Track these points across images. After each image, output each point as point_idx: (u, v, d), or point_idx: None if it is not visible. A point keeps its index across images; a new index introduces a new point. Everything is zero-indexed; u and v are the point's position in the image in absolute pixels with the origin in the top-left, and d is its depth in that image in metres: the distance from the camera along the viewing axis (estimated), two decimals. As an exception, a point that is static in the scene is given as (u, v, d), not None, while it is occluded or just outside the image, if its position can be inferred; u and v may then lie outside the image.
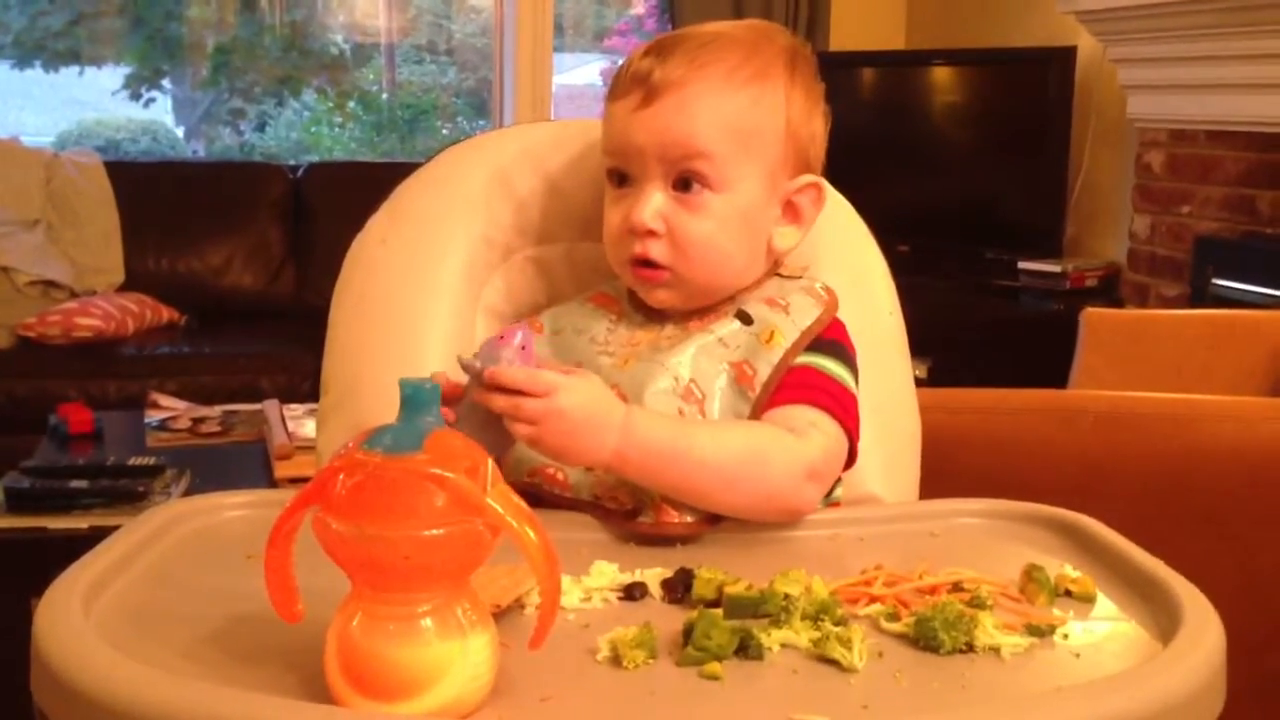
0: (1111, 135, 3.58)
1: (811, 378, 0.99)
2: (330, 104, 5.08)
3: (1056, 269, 3.51)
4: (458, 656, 0.64)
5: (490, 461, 0.66)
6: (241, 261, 4.11)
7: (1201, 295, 2.92)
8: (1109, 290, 3.52)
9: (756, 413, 0.97)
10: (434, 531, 0.62)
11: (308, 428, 2.62)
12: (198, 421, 2.81)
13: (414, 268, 1.11)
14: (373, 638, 0.64)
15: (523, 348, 0.89)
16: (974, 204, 3.89)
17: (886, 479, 1.09)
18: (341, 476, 0.63)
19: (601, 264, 1.08)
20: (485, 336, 1.08)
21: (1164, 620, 0.76)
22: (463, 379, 0.90)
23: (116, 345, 3.62)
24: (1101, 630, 0.77)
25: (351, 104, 5.11)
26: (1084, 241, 3.73)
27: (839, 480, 1.02)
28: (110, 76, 4.89)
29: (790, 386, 0.98)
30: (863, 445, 1.01)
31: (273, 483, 2.42)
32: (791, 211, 1.04)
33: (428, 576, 0.64)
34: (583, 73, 5.34)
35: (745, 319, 1.01)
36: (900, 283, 1.18)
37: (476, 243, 1.13)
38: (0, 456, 2.51)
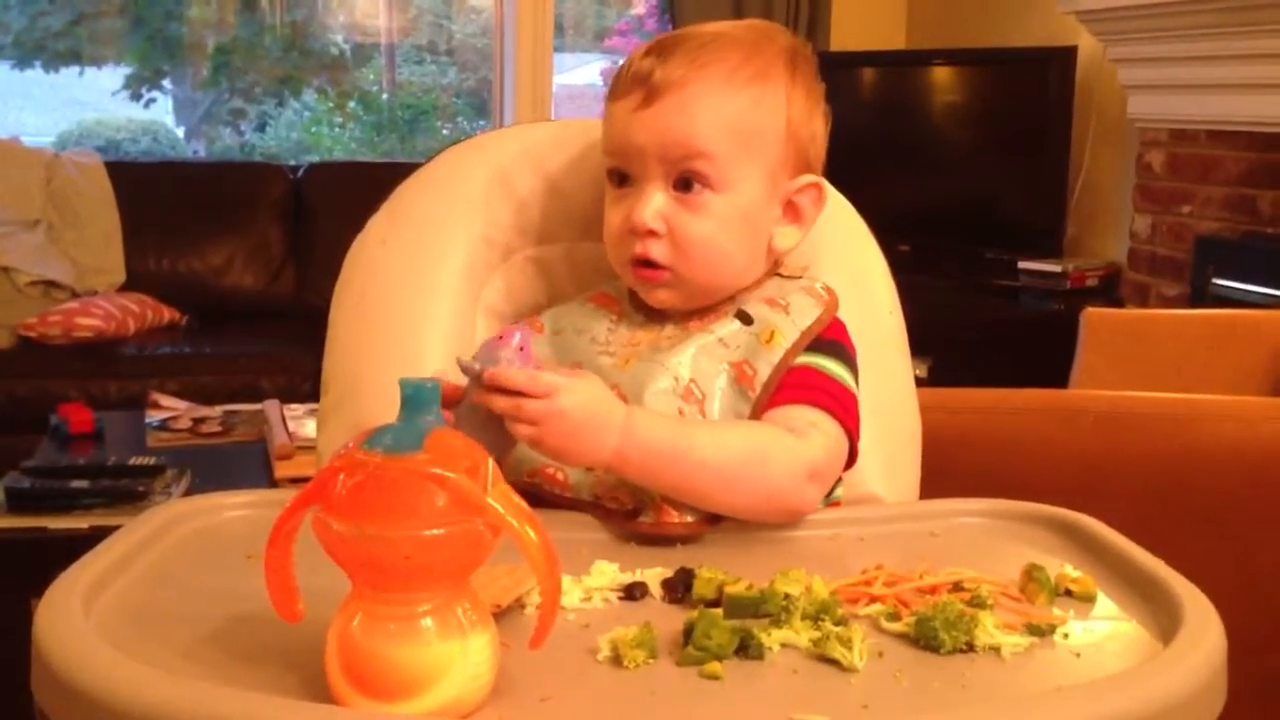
0: (1112, 135, 3.58)
1: (812, 378, 0.99)
2: (330, 104, 5.08)
3: (1057, 269, 3.51)
4: (458, 656, 0.64)
5: (490, 461, 0.66)
6: (242, 261, 4.11)
7: (1202, 295, 2.92)
8: (1109, 290, 3.52)
9: (757, 413, 0.97)
10: (434, 531, 0.62)
11: (308, 428, 2.62)
12: (198, 421, 2.82)
13: (414, 268, 1.11)
14: (373, 638, 0.64)
15: (521, 348, 0.89)
16: (974, 204, 3.89)
17: (886, 479, 1.09)
18: (342, 476, 0.63)
19: (602, 264, 1.08)
20: (485, 336, 1.08)
21: (1164, 620, 0.76)
22: (462, 381, 0.90)
23: (117, 345, 3.62)
24: (1102, 630, 0.77)
25: (352, 104, 5.12)
26: (1084, 241, 3.73)
27: (839, 480, 1.02)
28: (110, 77, 4.89)
29: (790, 387, 0.98)
30: (863, 445, 1.01)
31: (273, 483, 2.42)
32: (792, 211, 1.04)
33: (428, 576, 0.64)
34: (583, 73, 5.34)
35: (745, 319, 1.01)
36: (900, 283, 1.18)
37: (476, 243, 1.13)
38: (1, 456, 2.51)
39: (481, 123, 5.03)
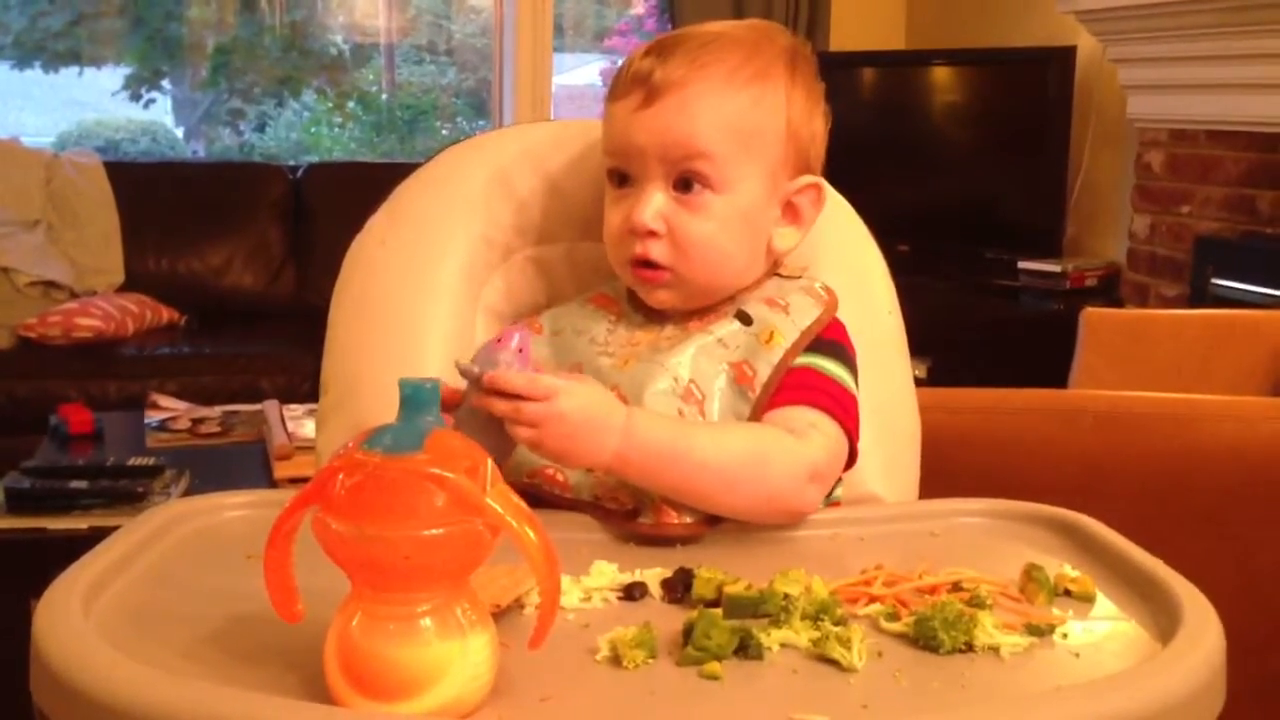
0: (1111, 135, 3.58)
1: (811, 378, 0.99)
2: (330, 104, 5.08)
3: (1056, 269, 3.51)
4: (457, 656, 0.64)
5: (490, 461, 0.66)
6: (241, 262, 4.11)
7: (1201, 295, 2.92)
8: (1109, 290, 3.52)
9: (756, 413, 0.97)
10: (434, 531, 0.62)
11: (308, 428, 2.62)
12: (198, 422, 2.82)
13: (413, 268, 1.11)
14: (372, 638, 0.64)
15: (520, 350, 0.89)
16: (974, 204, 3.89)
17: (886, 479, 1.09)
18: (341, 476, 0.63)
19: (602, 264, 1.08)
20: (485, 336, 1.08)
21: (1164, 620, 0.76)
22: (461, 384, 0.90)
23: (117, 346, 3.62)
24: (1101, 630, 0.77)
25: (351, 104, 5.12)
26: (1084, 241, 3.74)
27: (839, 480, 1.02)
28: (110, 77, 4.89)
29: (790, 387, 0.98)
30: (863, 445, 1.01)
31: (273, 483, 2.42)
32: (791, 212, 1.04)
33: (428, 576, 0.64)
34: (583, 73, 5.34)
35: (745, 319, 1.01)
36: (900, 283, 1.18)
37: (476, 243, 1.13)
38: (0, 457, 2.51)
39: (481, 123, 5.03)
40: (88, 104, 5.03)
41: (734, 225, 1.00)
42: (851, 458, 1.00)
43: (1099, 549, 0.88)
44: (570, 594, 0.79)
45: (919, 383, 1.18)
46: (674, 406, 0.96)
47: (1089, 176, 3.67)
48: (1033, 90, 3.69)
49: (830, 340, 1.02)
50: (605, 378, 0.99)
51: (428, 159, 1.19)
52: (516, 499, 0.66)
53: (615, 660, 0.71)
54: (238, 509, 0.95)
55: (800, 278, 1.06)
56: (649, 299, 1.03)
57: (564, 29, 5.00)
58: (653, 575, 0.83)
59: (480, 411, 0.88)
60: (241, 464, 2.60)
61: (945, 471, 1.14)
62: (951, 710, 0.68)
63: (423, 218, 1.13)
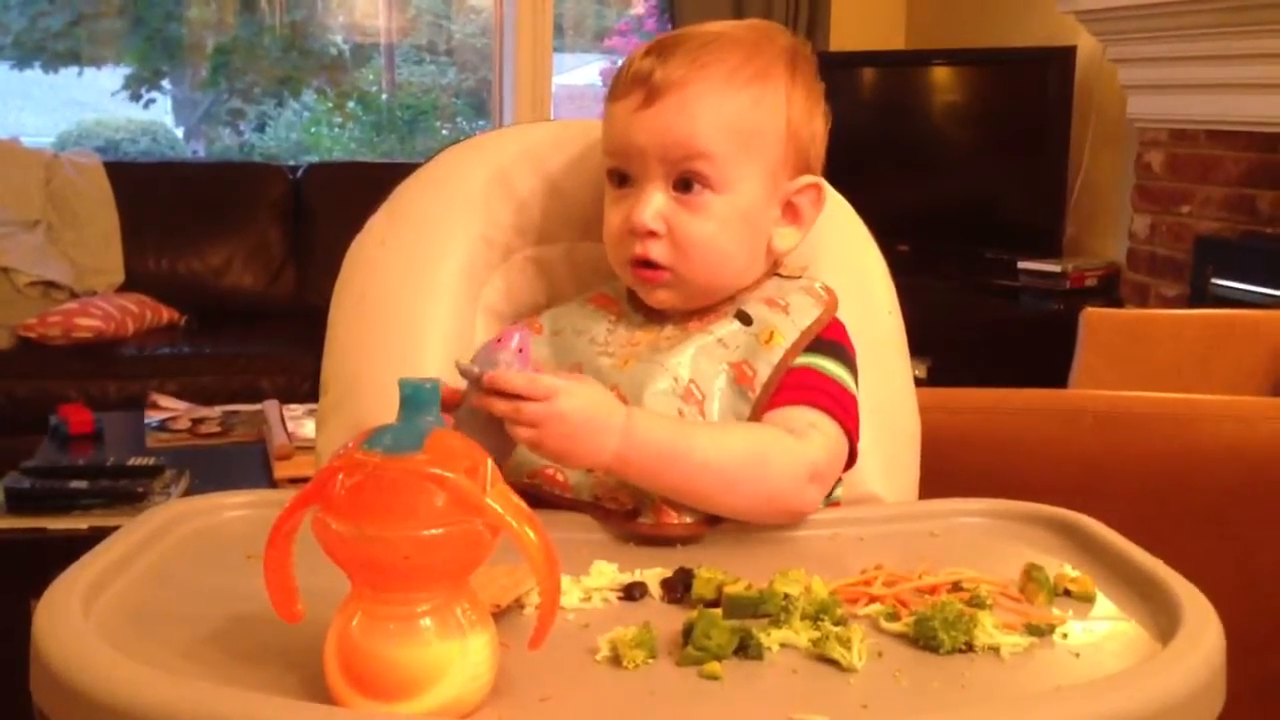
0: (1111, 135, 3.58)
1: (811, 379, 0.99)
2: (330, 104, 5.08)
3: (1056, 269, 3.51)
4: (457, 656, 0.64)
5: (490, 461, 0.66)
6: (241, 262, 4.11)
7: (1201, 295, 2.93)
8: (1109, 290, 3.52)
9: (756, 413, 0.97)
10: (433, 531, 0.62)
11: (307, 428, 2.62)
12: (197, 422, 2.82)
13: (413, 268, 1.11)
14: (372, 638, 0.64)
15: (520, 350, 0.89)
16: (974, 204, 3.89)
17: (886, 479, 1.09)
18: (341, 476, 0.63)
19: (602, 264, 1.08)
20: (485, 336, 1.08)
21: (1163, 620, 0.76)
22: (461, 384, 0.90)
23: (116, 346, 3.62)
24: (1101, 630, 0.77)
25: (351, 104, 5.12)
26: (1084, 241, 3.74)
27: (839, 480, 1.02)
28: (110, 77, 4.89)
29: (790, 387, 0.98)
30: (863, 445, 1.01)
31: (273, 483, 2.42)
32: (791, 212, 1.04)
33: (427, 576, 0.64)
34: (583, 73, 5.34)
35: (745, 319, 1.01)
36: (900, 283, 1.18)
37: (476, 243, 1.13)
38: (0, 457, 2.51)
39: (481, 123, 5.03)
40: (88, 104, 5.03)
41: (734, 225, 1.00)
42: (851, 458, 1.00)
43: (1099, 549, 0.88)
44: (570, 594, 0.79)
45: (919, 383, 1.18)
46: (674, 406, 0.96)
47: (1089, 176, 3.67)
48: (1033, 90, 3.69)
49: (830, 340, 1.02)
50: (605, 378, 0.99)
51: (428, 159, 1.19)
52: (516, 499, 0.66)
53: (615, 660, 0.71)
54: (238, 509, 0.95)
55: (800, 278, 1.06)
56: (649, 299, 1.03)
57: (564, 29, 5.00)
58: (653, 575, 0.83)
59: (480, 412, 0.88)
60: (241, 464, 2.60)
61: (945, 471, 1.14)
62: (951, 710, 0.68)
63: (423, 218, 1.13)
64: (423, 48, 5.14)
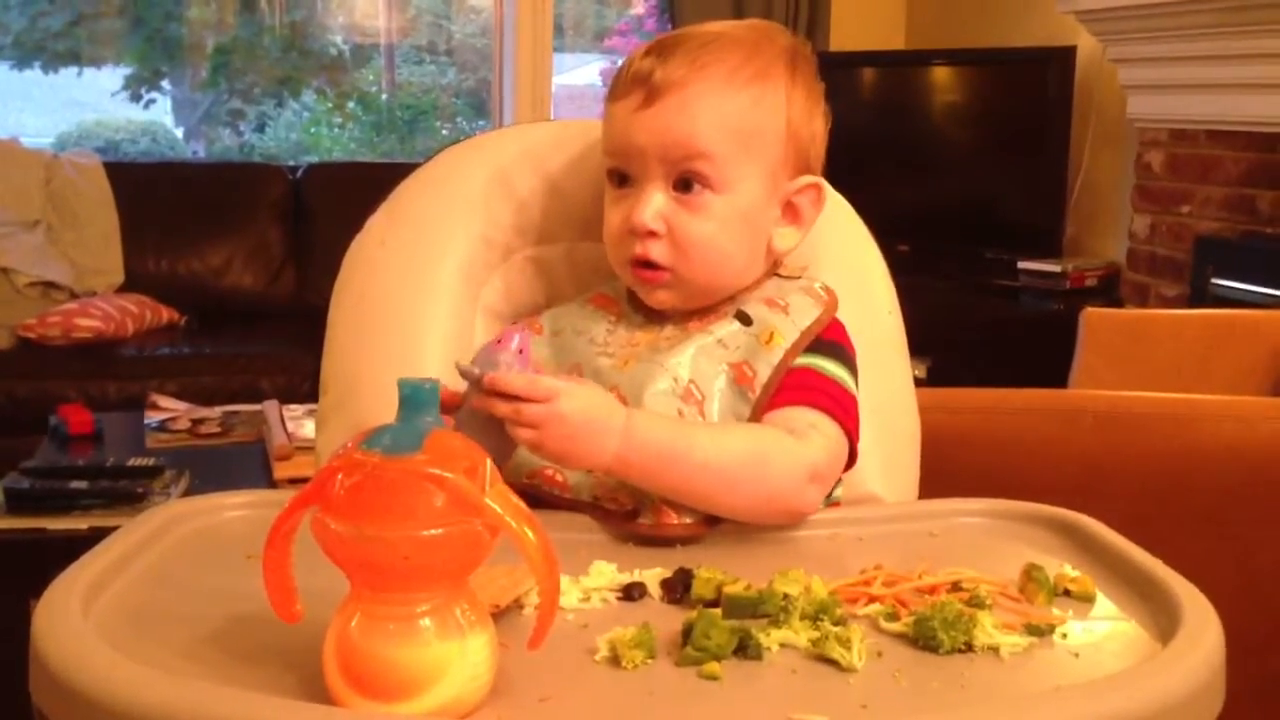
0: (1111, 135, 3.58)
1: (811, 379, 0.99)
2: (330, 105, 5.08)
3: (1056, 269, 3.51)
4: (456, 657, 0.64)
5: (489, 462, 0.66)
6: (241, 262, 4.11)
7: (1201, 295, 2.93)
8: (1109, 290, 3.52)
9: (756, 414, 0.97)
10: (433, 532, 0.62)
11: (307, 428, 2.62)
12: (197, 422, 2.82)
13: (413, 268, 1.11)
14: (372, 638, 0.64)
15: (520, 351, 0.89)
16: (974, 204, 3.89)
17: (886, 479, 1.09)
18: (340, 477, 0.63)
19: (601, 264, 1.08)
20: (484, 337, 1.08)
21: (1163, 620, 0.76)
22: (460, 386, 0.90)
23: (116, 346, 3.62)
24: (1101, 630, 0.77)
25: (351, 104, 5.12)
26: (1084, 241, 3.74)
27: (839, 480, 1.02)
28: (110, 77, 4.89)
29: (790, 388, 0.98)
30: (862, 445, 1.01)
31: (272, 483, 2.42)
32: (791, 212, 1.04)
33: (427, 577, 0.64)
34: (583, 73, 5.34)
35: (745, 320, 1.01)
36: (900, 283, 1.18)
37: (476, 243, 1.13)
38: (0, 457, 2.51)
39: (481, 123, 5.03)
40: (87, 104, 5.03)
41: (734, 225, 1.00)
42: (851, 458, 1.00)
43: (1099, 549, 0.88)
44: (569, 594, 0.79)
45: (919, 383, 1.18)
46: (674, 407, 0.96)
47: (1089, 176, 3.67)
48: (1033, 90, 3.69)
49: (830, 341, 1.02)
50: (605, 378, 0.99)
51: (428, 159, 1.19)
52: (516, 499, 0.66)
53: (614, 660, 0.71)
54: (237, 509, 0.95)
55: (800, 278, 1.06)
56: (649, 299, 1.03)
57: (564, 29, 5.00)
58: (652, 575, 0.83)
59: (480, 413, 0.88)
60: (241, 464, 2.60)
61: (945, 471, 1.14)
62: (951, 710, 0.68)
63: (422, 218, 1.13)
64: (423, 48, 5.14)
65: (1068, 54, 3.59)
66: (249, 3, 4.80)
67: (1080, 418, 1.51)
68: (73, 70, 4.81)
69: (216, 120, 5.05)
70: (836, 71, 3.39)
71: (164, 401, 3.04)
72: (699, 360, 0.99)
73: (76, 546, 0.82)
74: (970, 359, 3.21)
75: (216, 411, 2.91)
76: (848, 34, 4.38)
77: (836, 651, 0.71)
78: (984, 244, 3.77)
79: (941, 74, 4.07)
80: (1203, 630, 0.72)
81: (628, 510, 0.94)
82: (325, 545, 0.63)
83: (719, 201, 0.99)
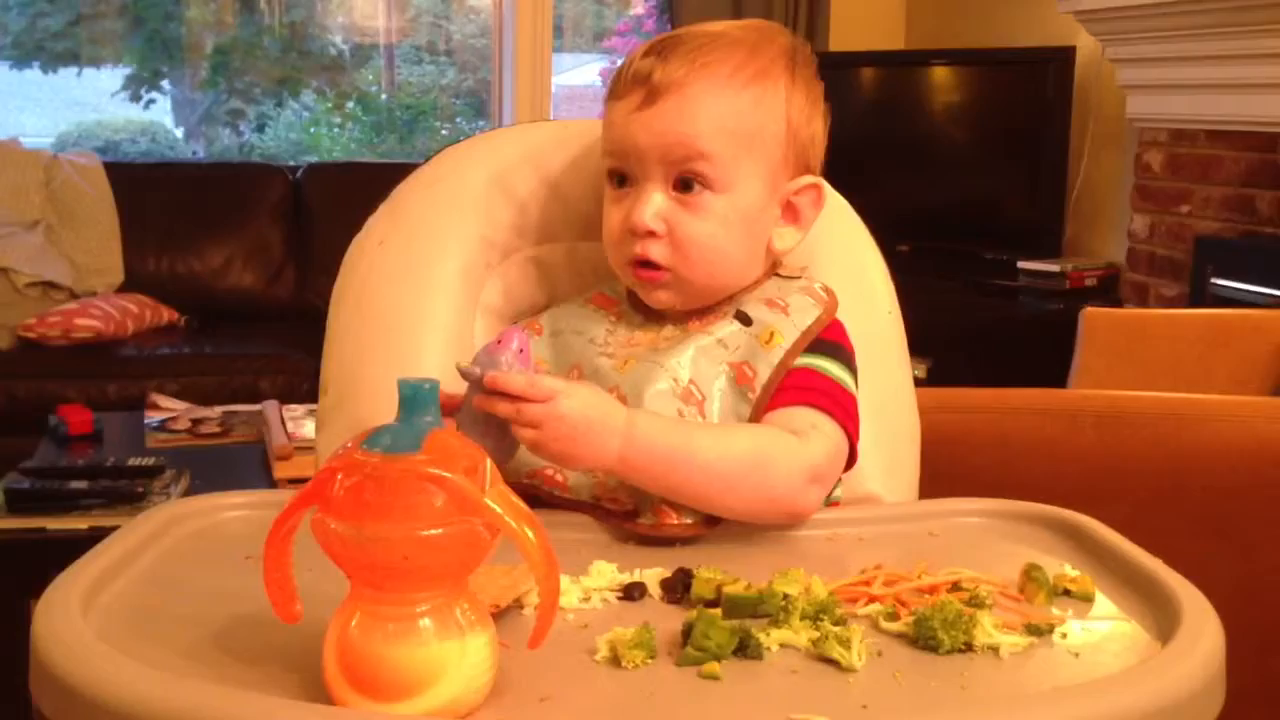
0: (1111, 135, 3.58)
1: (811, 379, 0.99)
2: (329, 105, 5.08)
3: (1056, 269, 3.51)
4: (456, 656, 0.64)
5: (489, 461, 0.66)
6: (241, 262, 4.11)
7: (1201, 295, 2.93)
8: (1109, 290, 3.52)
9: (757, 414, 0.97)
10: (432, 531, 0.62)
11: (307, 428, 2.63)
12: (197, 422, 2.82)
13: (413, 268, 1.11)
14: (371, 638, 0.63)
15: (520, 350, 0.89)
16: (974, 204, 3.89)
17: (886, 479, 1.09)
18: (340, 477, 0.63)
19: (602, 264, 1.08)
20: (484, 337, 1.08)
21: (1163, 620, 0.76)
22: (459, 388, 0.90)
23: (116, 346, 3.62)
24: (1100, 630, 0.77)
25: (350, 105, 5.12)
26: (1084, 241, 3.74)
27: (839, 480, 1.02)
28: (109, 77, 4.89)
29: (790, 388, 0.98)
30: (863, 445, 1.01)
31: (272, 483, 2.42)
32: (791, 212, 1.04)
33: (426, 576, 0.64)
34: (582, 73, 5.34)
35: (744, 320, 1.01)
36: (900, 283, 1.18)
37: (475, 243, 1.13)
38: (0, 457, 2.51)
39: (481, 123, 5.03)
40: (87, 104, 5.03)
41: (734, 225, 1.00)
42: (852, 458, 1.00)
43: (1099, 549, 0.88)
44: (569, 594, 0.79)
45: (919, 383, 1.18)
46: (674, 407, 0.96)
47: (1089, 176, 3.67)
48: (1032, 90, 3.69)
49: (830, 341, 1.02)
50: (604, 378, 0.99)
51: (427, 159, 1.19)
52: (515, 499, 0.66)
53: (614, 660, 0.71)
54: (237, 509, 0.95)
55: (800, 278, 1.06)
56: (648, 299, 1.03)
57: (564, 29, 5.00)
58: (652, 575, 0.83)
59: (481, 414, 0.88)
60: (241, 464, 2.60)
61: (945, 472, 1.14)
62: (951, 710, 0.68)
63: (422, 218, 1.13)
64: (422, 48, 5.14)
65: (1067, 54, 3.59)
66: (249, 3, 4.80)
67: (1080, 418, 1.51)
68: (72, 70, 4.81)
69: (216, 120, 5.05)
70: (836, 71, 3.39)
71: (164, 401, 3.04)
72: (699, 360, 0.99)
73: (76, 546, 0.82)
74: (970, 359, 3.22)
75: (216, 411, 2.91)
76: (848, 34, 4.38)
77: (836, 651, 0.71)
78: (984, 244, 3.77)
79: (941, 74, 4.07)
80: (1202, 630, 0.72)
81: (628, 510, 0.94)
82: (325, 545, 0.63)
83: (719, 201, 0.99)
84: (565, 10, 4.93)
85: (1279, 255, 2.79)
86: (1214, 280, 2.89)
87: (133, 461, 2.43)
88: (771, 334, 0.99)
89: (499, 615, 0.73)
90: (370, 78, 5.13)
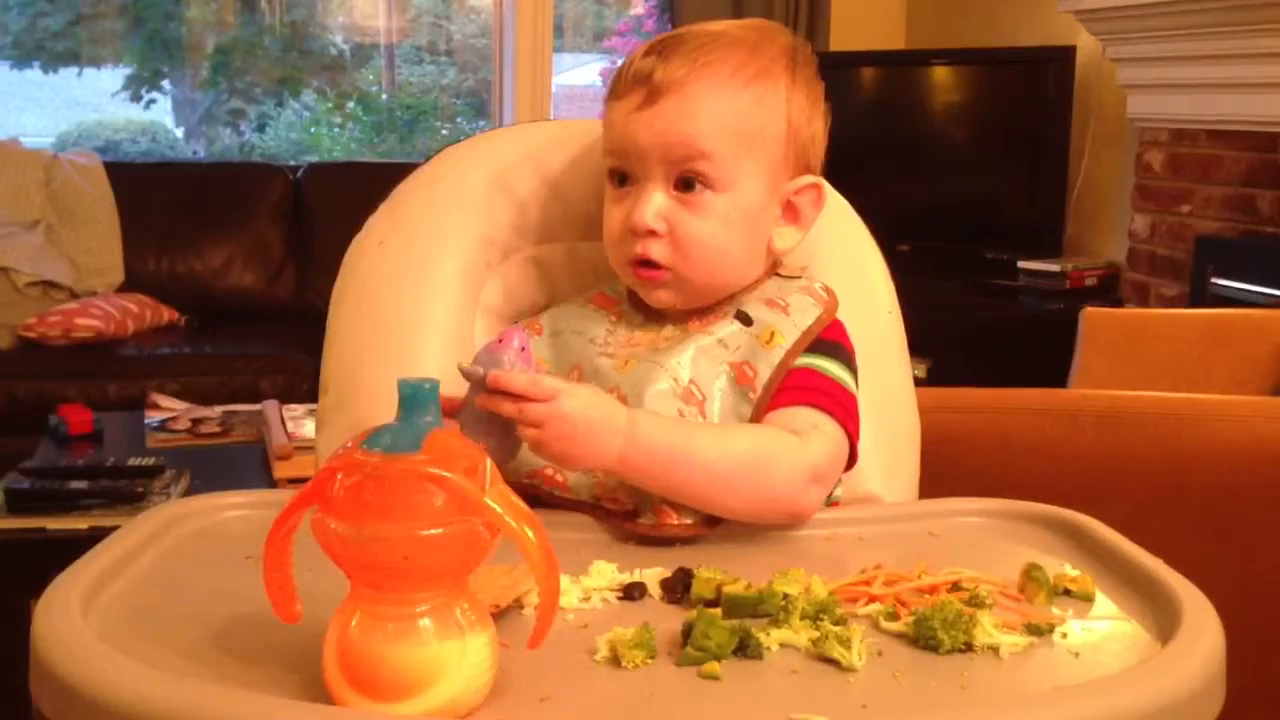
0: (1111, 135, 3.58)
1: (812, 379, 0.99)
2: (330, 104, 5.08)
3: (1056, 269, 3.51)
4: (456, 656, 0.64)
5: (489, 461, 0.66)
6: (241, 262, 4.11)
7: (1201, 295, 2.93)
8: (1109, 290, 3.52)
9: (757, 414, 0.97)
10: (433, 531, 0.62)
11: (307, 428, 2.62)
12: (197, 422, 2.82)
13: (413, 268, 1.11)
14: (371, 638, 0.63)
15: (522, 349, 0.89)
16: (974, 204, 3.89)
17: (886, 479, 1.09)
18: (340, 476, 0.63)
19: (602, 264, 1.08)
20: (484, 337, 1.08)
21: (1163, 620, 0.76)
22: (460, 388, 0.90)
23: (116, 346, 3.62)
24: (1100, 630, 0.77)
25: (351, 104, 5.11)
26: (1084, 241, 3.74)
27: (839, 480, 1.02)
28: (110, 77, 4.89)
29: (791, 388, 0.98)
30: (863, 445, 1.01)
31: (272, 483, 2.42)
32: (791, 212, 1.04)
33: (426, 576, 0.64)
34: (583, 73, 5.34)
35: (745, 320, 1.01)
36: (900, 283, 1.18)
37: (476, 243, 1.13)
38: (0, 457, 2.51)
39: (481, 123, 5.03)
40: (87, 104, 5.03)
41: (734, 225, 1.00)
42: (852, 459, 1.00)
43: (1099, 549, 0.88)
44: (569, 594, 0.79)
45: (919, 383, 1.18)
46: (674, 407, 0.96)
47: (1089, 176, 3.67)
48: (1032, 90, 3.69)
49: (830, 341, 1.02)
50: (605, 378, 0.99)
51: (427, 159, 1.19)
52: (515, 499, 0.66)
53: (614, 660, 0.71)
54: (237, 509, 0.95)
55: (800, 278, 1.06)
56: (649, 299, 1.03)
57: (564, 29, 5.00)
58: (652, 575, 0.83)
59: (482, 414, 0.88)
60: (241, 464, 2.60)
61: (945, 472, 1.14)
62: (951, 710, 0.68)
63: (422, 218, 1.13)
64: (423, 48, 5.14)
65: (1067, 54, 3.59)
66: (249, 3, 4.80)
67: (1080, 418, 1.51)
68: (73, 70, 4.81)
69: (216, 120, 5.05)
70: (836, 71, 3.39)
71: (164, 401, 3.04)
72: (699, 360, 0.99)
73: (76, 546, 0.82)
74: (970, 359, 3.22)
75: (216, 411, 2.91)
76: (848, 34, 4.38)
77: (836, 651, 0.71)
78: (984, 244, 3.78)
79: (941, 74, 4.07)
80: (1203, 630, 0.72)
81: (628, 510, 0.94)
82: (325, 545, 0.63)
83: (719, 201, 0.99)
84: (565, 10, 4.93)
85: (1279, 255, 2.79)
86: (1214, 280, 2.89)
87: (133, 461, 2.43)
88: (772, 334, 0.99)
89: (499, 615, 0.73)
90: (371, 78, 5.13)
